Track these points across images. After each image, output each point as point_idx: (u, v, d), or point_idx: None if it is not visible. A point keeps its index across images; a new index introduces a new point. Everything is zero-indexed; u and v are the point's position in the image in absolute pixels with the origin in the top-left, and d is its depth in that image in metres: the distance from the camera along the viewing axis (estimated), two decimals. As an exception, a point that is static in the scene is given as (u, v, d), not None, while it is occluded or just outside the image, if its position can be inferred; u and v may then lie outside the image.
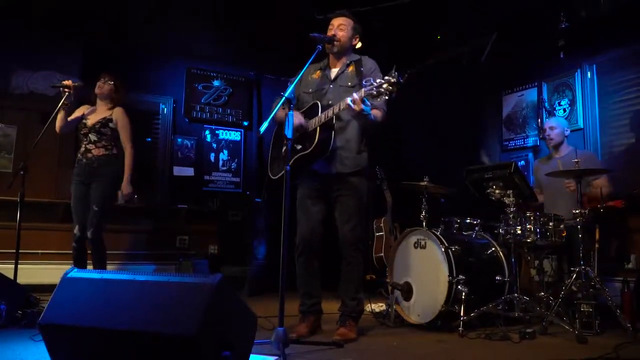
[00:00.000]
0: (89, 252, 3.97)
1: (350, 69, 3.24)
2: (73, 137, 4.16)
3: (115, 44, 5.77)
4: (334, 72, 3.28)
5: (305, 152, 3.02)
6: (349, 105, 2.83)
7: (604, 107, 4.71)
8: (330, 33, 3.23)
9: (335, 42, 3.20)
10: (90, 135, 3.99)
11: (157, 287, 1.94)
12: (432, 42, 5.87)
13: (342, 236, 3.16)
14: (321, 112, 3.01)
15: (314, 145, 2.97)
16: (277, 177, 3.24)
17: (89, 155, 3.96)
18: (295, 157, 3.03)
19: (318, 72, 3.32)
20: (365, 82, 2.79)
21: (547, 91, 5.18)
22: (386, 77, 2.68)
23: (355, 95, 2.80)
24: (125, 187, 4.02)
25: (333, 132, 3.04)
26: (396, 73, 2.64)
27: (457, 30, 5.65)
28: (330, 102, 3.10)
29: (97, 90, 4.09)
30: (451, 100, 5.98)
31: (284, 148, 3.02)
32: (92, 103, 4.15)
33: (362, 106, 2.81)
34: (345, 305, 3.18)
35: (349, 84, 3.18)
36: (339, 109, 2.94)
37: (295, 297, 3.30)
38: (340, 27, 3.23)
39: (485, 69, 5.63)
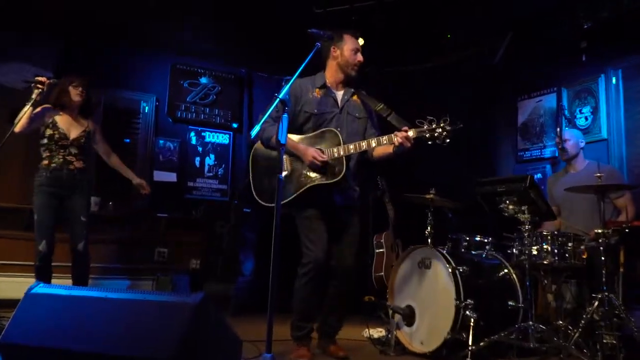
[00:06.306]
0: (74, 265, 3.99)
1: (354, 98, 3.44)
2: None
3: (94, 36, 5.78)
4: (338, 95, 3.41)
5: (328, 182, 3.15)
6: (399, 141, 3.04)
7: (630, 116, 4.72)
8: (359, 57, 3.34)
9: (355, 67, 3.34)
10: (71, 148, 4.04)
11: (131, 306, 1.95)
12: (441, 41, 5.90)
13: (342, 260, 3.32)
14: (344, 142, 3.15)
15: (341, 175, 3.12)
16: (270, 205, 3.20)
17: (71, 167, 4.02)
18: (310, 185, 3.17)
19: (317, 90, 3.38)
20: (418, 122, 3.05)
21: (567, 97, 5.20)
22: (443, 125, 2.95)
23: (410, 134, 3.04)
24: (144, 184, 4.37)
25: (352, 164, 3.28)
26: (448, 120, 2.94)
27: (468, 29, 5.67)
28: (339, 129, 3.26)
29: (75, 99, 4.09)
30: (461, 106, 5.98)
31: (284, 172, 3.11)
32: (52, 103, 4.08)
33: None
34: (329, 324, 3.41)
35: (357, 114, 3.40)
36: (379, 143, 3.14)
37: (285, 320, 3.27)
38: (360, 49, 3.40)
39: (499, 72, 5.66)
